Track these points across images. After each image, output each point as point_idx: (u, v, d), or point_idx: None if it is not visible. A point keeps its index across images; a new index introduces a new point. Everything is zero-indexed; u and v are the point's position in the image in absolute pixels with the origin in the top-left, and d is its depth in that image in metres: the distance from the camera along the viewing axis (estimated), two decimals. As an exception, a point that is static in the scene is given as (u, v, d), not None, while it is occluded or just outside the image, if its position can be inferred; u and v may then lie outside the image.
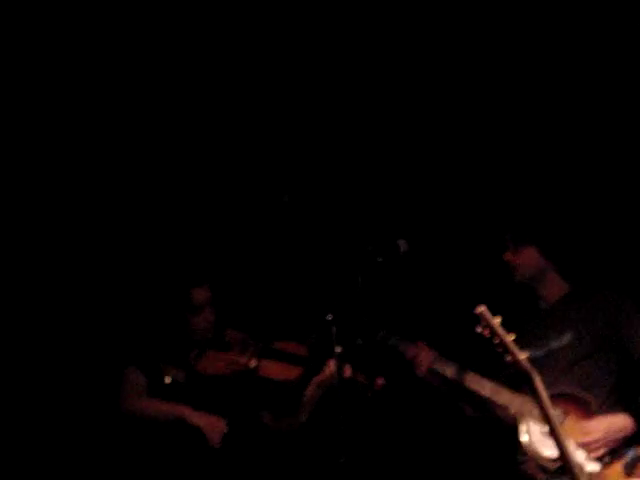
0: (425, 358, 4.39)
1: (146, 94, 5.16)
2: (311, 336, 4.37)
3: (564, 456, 3.53)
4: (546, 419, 3.53)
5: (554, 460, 4.16)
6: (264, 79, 5.20)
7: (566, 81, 5.10)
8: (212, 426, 4.34)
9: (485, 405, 4.38)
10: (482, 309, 3.52)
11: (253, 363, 4.40)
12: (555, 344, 4.37)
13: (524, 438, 4.21)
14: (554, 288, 4.46)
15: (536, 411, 4.13)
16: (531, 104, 5.19)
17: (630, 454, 4.13)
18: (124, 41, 5.05)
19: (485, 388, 4.32)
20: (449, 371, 4.38)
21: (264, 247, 5.30)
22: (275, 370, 4.41)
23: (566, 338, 4.37)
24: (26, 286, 5.11)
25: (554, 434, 3.51)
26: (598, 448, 4.13)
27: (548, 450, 4.14)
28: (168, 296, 4.54)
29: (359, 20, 5.10)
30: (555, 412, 4.20)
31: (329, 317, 3.81)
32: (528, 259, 4.44)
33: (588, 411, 4.20)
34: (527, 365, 3.49)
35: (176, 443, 4.38)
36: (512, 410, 4.28)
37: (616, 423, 4.13)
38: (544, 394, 3.53)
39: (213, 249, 5.24)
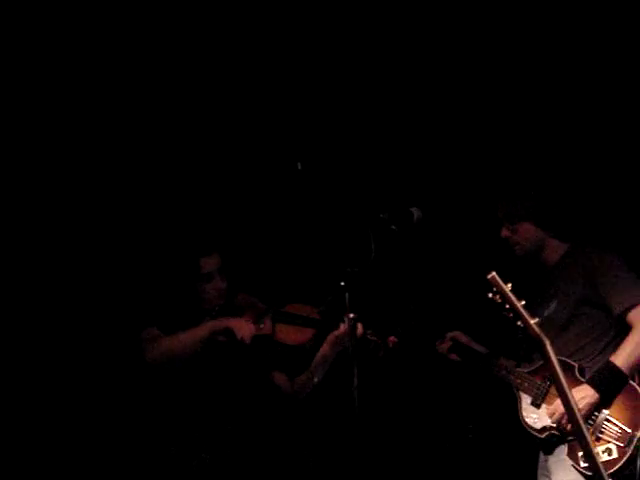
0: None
1: (156, 69, 5.19)
2: (324, 302, 4.39)
3: (574, 420, 3.55)
4: (557, 385, 3.54)
5: (538, 430, 4.28)
6: (280, 52, 5.23)
7: (561, 61, 5.14)
8: (241, 324, 4.38)
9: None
10: (493, 275, 3.53)
11: (267, 327, 4.43)
12: (546, 312, 4.42)
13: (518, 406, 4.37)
14: (554, 252, 4.53)
15: (525, 384, 4.23)
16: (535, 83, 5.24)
17: (599, 420, 4.22)
18: (124, 41, 5.08)
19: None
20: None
21: (278, 215, 5.32)
22: (288, 333, 4.43)
23: (553, 305, 4.43)
24: (40, 259, 5.17)
25: (563, 400, 3.53)
26: (565, 423, 4.21)
27: (533, 422, 4.31)
28: (178, 266, 4.56)
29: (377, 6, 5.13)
30: (539, 381, 4.29)
31: (342, 284, 3.84)
32: (526, 234, 4.49)
33: (571, 376, 4.25)
34: (538, 330, 3.50)
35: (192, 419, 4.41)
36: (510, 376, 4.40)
37: (576, 395, 4.11)
38: (555, 359, 3.54)
39: (226, 216, 5.26)
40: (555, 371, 3.51)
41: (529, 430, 4.36)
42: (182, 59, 5.18)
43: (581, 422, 3.44)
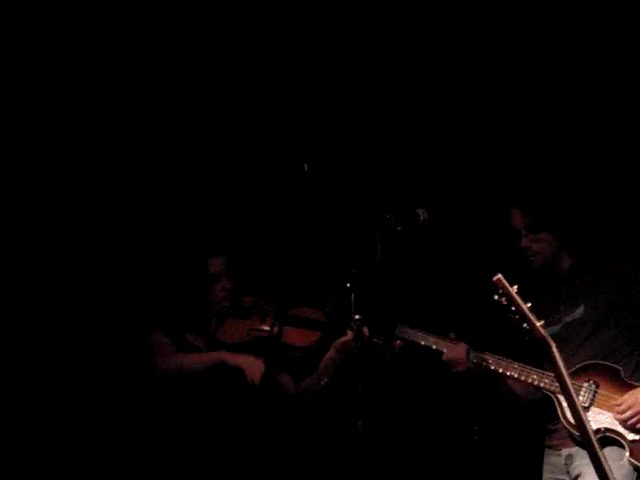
0: (461, 354, 4.41)
1: (163, 74, 5.20)
2: (329, 304, 4.39)
3: (581, 424, 3.54)
4: (562, 386, 3.54)
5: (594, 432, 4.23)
6: (289, 55, 5.23)
7: (579, 68, 5.14)
8: (252, 364, 4.37)
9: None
10: (499, 277, 3.53)
11: (274, 330, 4.43)
12: (569, 318, 4.41)
13: (558, 410, 4.27)
14: (563, 264, 4.53)
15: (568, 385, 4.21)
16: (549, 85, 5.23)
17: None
18: (127, 42, 5.08)
19: (513, 368, 4.37)
20: (484, 361, 4.41)
21: (284, 216, 5.31)
22: (295, 336, 4.43)
23: (579, 311, 4.40)
24: (47, 260, 5.17)
25: (570, 401, 3.52)
26: (637, 421, 4.17)
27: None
28: (186, 266, 4.58)
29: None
30: (586, 384, 4.24)
31: (348, 285, 3.83)
32: (546, 244, 4.48)
33: (618, 379, 4.24)
34: (544, 332, 3.50)
35: (212, 398, 4.41)
36: (542, 387, 4.33)
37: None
38: (561, 362, 3.54)
39: (232, 218, 5.26)
40: (561, 374, 3.51)
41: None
42: (189, 62, 5.19)
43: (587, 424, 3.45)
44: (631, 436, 4.18)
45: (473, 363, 4.40)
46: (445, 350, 4.43)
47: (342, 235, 4.82)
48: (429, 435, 5.46)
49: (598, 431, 4.21)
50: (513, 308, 3.53)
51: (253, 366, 4.37)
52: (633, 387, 4.22)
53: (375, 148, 5.39)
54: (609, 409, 4.22)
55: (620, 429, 4.19)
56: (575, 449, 4.26)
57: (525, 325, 3.55)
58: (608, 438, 4.21)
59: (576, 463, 4.28)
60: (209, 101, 5.29)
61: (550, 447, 4.43)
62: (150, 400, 4.57)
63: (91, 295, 5.21)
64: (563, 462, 4.34)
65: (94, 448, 5.11)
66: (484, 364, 4.39)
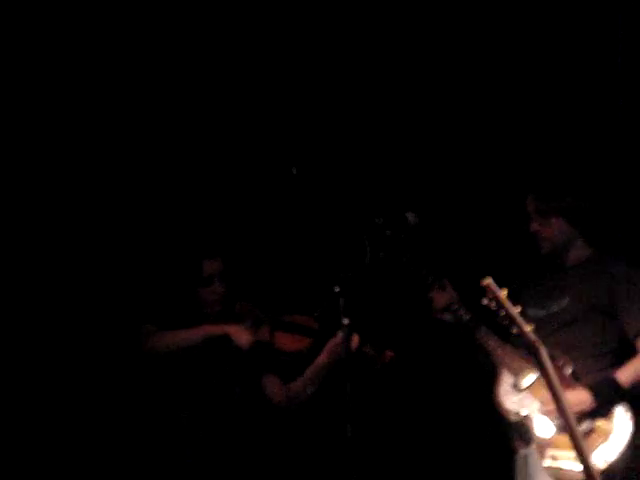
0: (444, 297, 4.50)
1: (154, 67, 5.19)
2: (318, 308, 4.39)
3: (571, 428, 3.55)
4: (551, 392, 3.54)
5: (515, 414, 4.29)
6: (276, 58, 5.22)
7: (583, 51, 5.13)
8: (238, 329, 4.39)
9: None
10: (489, 281, 3.53)
11: (266, 335, 4.42)
12: (555, 307, 4.43)
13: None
14: (577, 253, 4.51)
15: (514, 365, 4.22)
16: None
17: (584, 425, 4.20)
18: (122, 43, 5.07)
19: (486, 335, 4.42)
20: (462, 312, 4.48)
21: (273, 220, 5.31)
22: (287, 341, 4.43)
23: (564, 302, 4.42)
24: (42, 260, 5.16)
25: (559, 406, 3.52)
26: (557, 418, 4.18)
27: (511, 403, 4.30)
28: (179, 268, 4.57)
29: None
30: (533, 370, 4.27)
31: (337, 289, 3.83)
32: (557, 229, 4.47)
33: (566, 375, 4.25)
34: (533, 337, 3.49)
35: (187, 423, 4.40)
36: (497, 355, 4.39)
37: (573, 397, 4.16)
38: (550, 366, 3.54)
39: (222, 222, 5.26)
40: (550, 378, 3.51)
41: (502, 411, 4.34)
42: (182, 68, 5.19)
43: (574, 426, 3.46)
44: (542, 434, 4.24)
45: (453, 313, 4.46)
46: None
47: (331, 239, 4.82)
48: (418, 439, 5.46)
49: (518, 414, 4.28)
50: (502, 312, 3.52)
51: (239, 331, 4.38)
52: (575, 387, 4.24)
53: (364, 151, 5.39)
54: (539, 399, 4.26)
55: (538, 424, 4.25)
56: (530, 449, 4.30)
57: (514, 330, 3.54)
58: (523, 425, 4.27)
59: (529, 463, 4.32)
60: (203, 106, 5.29)
61: (514, 452, 4.46)
62: (141, 392, 4.59)
63: (85, 291, 5.20)
64: (523, 463, 4.39)
65: (84, 441, 5.10)
66: (462, 316, 4.45)
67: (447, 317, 4.52)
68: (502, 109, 5.32)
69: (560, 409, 3.50)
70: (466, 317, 4.46)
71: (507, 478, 4.48)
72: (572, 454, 3.64)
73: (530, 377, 4.30)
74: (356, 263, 3.86)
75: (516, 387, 4.35)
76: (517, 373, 4.35)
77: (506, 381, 4.38)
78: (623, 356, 4.35)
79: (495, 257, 4.93)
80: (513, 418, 4.33)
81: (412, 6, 5.14)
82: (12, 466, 4.95)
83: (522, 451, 4.38)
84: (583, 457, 3.52)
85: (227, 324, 4.42)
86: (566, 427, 3.53)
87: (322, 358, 4.52)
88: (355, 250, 3.89)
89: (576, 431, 3.50)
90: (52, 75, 5.06)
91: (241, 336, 4.37)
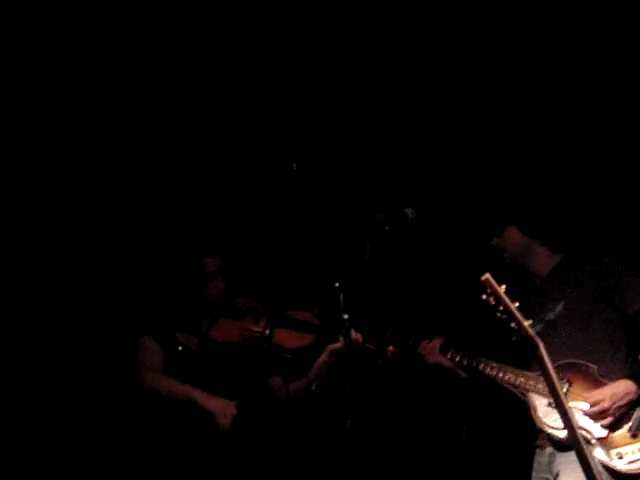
0: (433, 349, 4.47)
1: (154, 67, 5.20)
2: (318, 303, 4.40)
3: (569, 424, 3.55)
4: (550, 387, 3.55)
5: (561, 429, 4.22)
6: (276, 57, 5.23)
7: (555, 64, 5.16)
8: (223, 410, 4.35)
9: (495, 383, 4.43)
10: (487, 276, 3.53)
11: (267, 331, 4.43)
12: (551, 315, 4.42)
13: (531, 411, 4.29)
14: (543, 262, 4.52)
15: (540, 386, 4.21)
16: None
17: (635, 415, 4.18)
18: (121, 43, 5.08)
19: (491, 367, 4.38)
20: (460, 356, 4.44)
21: (273, 216, 5.32)
22: (287, 338, 4.43)
23: (559, 308, 4.41)
24: (44, 259, 5.20)
25: (558, 402, 3.53)
26: (606, 417, 4.18)
27: (553, 422, 4.22)
28: (180, 265, 4.60)
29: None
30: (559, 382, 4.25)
31: (336, 284, 3.84)
32: (512, 239, 4.49)
33: (592, 377, 4.25)
34: (531, 332, 3.50)
35: (187, 422, 4.42)
36: (518, 385, 4.34)
37: (619, 388, 4.17)
38: (549, 361, 3.54)
39: (223, 218, 5.27)
40: (549, 372, 3.51)
41: (550, 430, 4.27)
42: (181, 67, 5.20)
43: (575, 425, 3.46)
44: (598, 433, 4.20)
45: (448, 358, 4.43)
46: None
47: (330, 234, 4.84)
48: (418, 434, 5.47)
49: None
50: (501, 308, 3.53)
51: (223, 412, 4.35)
52: (605, 385, 4.23)
53: (364, 148, 5.40)
54: (581, 401, 4.22)
55: (588, 426, 4.21)
56: (567, 454, 4.27)
57: (513, 325, 3.55)
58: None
59: (557, 461, 4.30)
60: (203, 104, 5.30)
61: (538, 446, 4.44)
62: (141, 399, 4.59)
63: (85, 291, 5.22)
64: (547, 460, 4.35)
65: (82, 441, 5.11)
66: (458, 359, 4.42)
67: (446, 363, 4.51)
68: (502, 109, 5.34)
69: (558, 405, 3.50)
70: (464, 361, 4.44)
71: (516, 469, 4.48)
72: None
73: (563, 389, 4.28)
74: (355, 258, 3.87)
75: (552, 404, 4.30)
76: (545, 392, 4.29)
77: (540, 403, 4.35)
78: (636, 343, 4.34)
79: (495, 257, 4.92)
80: (562, 435, 4.24)
81: (412, 6, 5.13)
82: (12, 466, 4.96)
83: (549, 448, 4.36)
84: (581, 449, 3.52)
85: (213, 399, 4.37)
86: (566, 424, 3.52)
87: (322, 358, 4.53)
88: (355, 245, 3.90)
89: (575, 424, 3.51)
90: (52, 75, 5.08)
91: (224, 418, 4.33)
